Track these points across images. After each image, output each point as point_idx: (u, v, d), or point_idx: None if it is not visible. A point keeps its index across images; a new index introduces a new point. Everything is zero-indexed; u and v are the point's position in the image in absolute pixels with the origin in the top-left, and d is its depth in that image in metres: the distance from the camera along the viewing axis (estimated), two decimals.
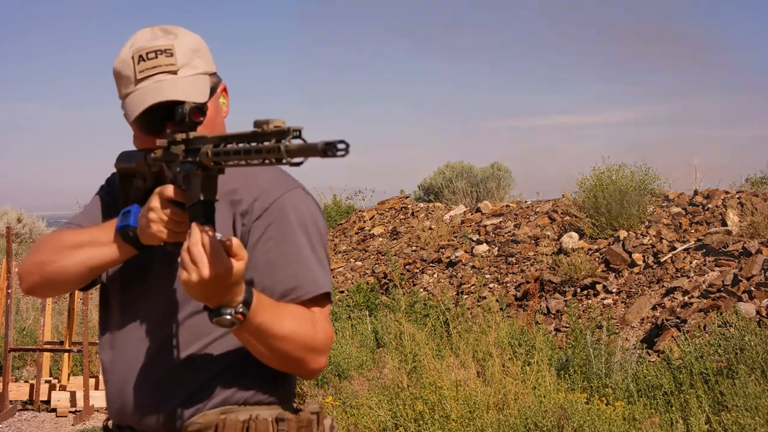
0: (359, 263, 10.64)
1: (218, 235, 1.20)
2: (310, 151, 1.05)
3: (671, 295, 6.88)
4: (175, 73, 1.38)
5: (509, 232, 9.86)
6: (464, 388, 4.62)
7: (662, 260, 7.56)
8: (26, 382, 6.32)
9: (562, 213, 9.85)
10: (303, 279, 1.39)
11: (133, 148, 1.48)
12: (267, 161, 1.10)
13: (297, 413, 1.44)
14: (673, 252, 7.62)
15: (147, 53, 1.37)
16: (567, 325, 6.76)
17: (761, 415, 4.00)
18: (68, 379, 6.30)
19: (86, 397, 5.82)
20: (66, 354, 6.31)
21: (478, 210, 11.25)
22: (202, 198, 1.24)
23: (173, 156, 1.31)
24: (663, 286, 7.14)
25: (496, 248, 9.48)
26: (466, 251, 9.54)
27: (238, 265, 1.19)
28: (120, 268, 1.48)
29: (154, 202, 1.30)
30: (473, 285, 8.50)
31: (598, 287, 7.56)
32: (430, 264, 9.58)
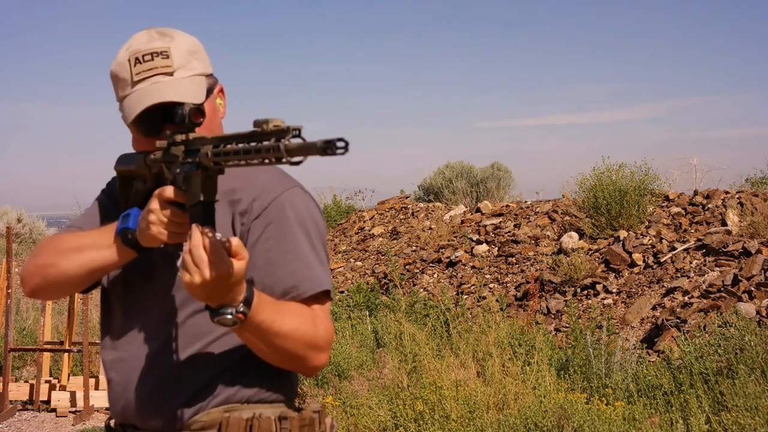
0: (359, 263, 10.65)
1: (218, 236, 1.20)
2: (309, 149, 1.05)
3: (671, 295, 6.88)
4: (171, 74, 1.39)
5: (509, 232, 9.86)
6: (464, 388, 4.62)
7: (662, 260, 7.57)
8: (26, 382, 6.32)
9: (562, 213, 9.85)
10: (303, 277, 1.40)
11: (132, 150, 1.48)
12: (267, 161, 1.10)
13: (299, 412, 1.45)
14: (673, 252, 7.62)
15: (143, 55, 1.38)
16: (567, 325, 6.76)
17: (761, 415, 4.00)
18: (68, 379, 6.30)
19: (86, 397, 5.82)
20: (66, 354, 6.31)
21: (478, 210, 11.25)
22: (202, 198, 1.24)
23: (173, 157, 1.32)
24: (663, 286, 7.14)
25: (496, 248, 9.48)
26: (466, 251, 9.54)
27: (239, 264, 1.20)
28: (121, 270, 1.49)
29: (154, 204, 1.30)
30: (473, 285, 8.50)
31: (598, 287, 7.56)
32: (430, 264, 9.59)
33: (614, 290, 7.48)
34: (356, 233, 12.11)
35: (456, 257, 9.39)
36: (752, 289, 6.28)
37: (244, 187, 1.44)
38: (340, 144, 1.03)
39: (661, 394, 4.60)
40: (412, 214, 12.15)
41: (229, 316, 1.23)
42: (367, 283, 9.18)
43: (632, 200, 8.50)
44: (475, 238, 9.84)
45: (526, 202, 11.31)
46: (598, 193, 8.70)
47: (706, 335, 5.30)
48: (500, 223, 10.30)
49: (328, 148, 1.03)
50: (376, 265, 10.21)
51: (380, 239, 11.47)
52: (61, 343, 6.29)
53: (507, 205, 11.10)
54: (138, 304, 1.47)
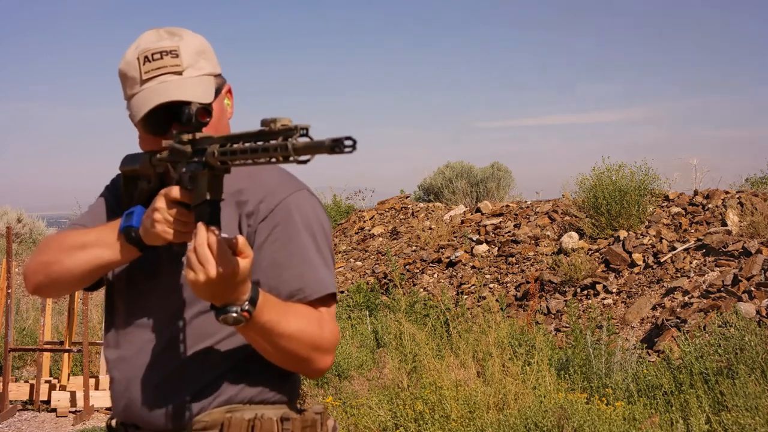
0: (359, 263, 10.65)
1: (223, 234, 1.20)
2: (317, 148, 1.05)
3: (671, 295, 6.88)
4: (180, 74, 1.39)
5: (509, 232, 9.87)
6: (464, 388, 4.62)
7: (662, 260, 7.57)
8: (26, 382, 6.32)
9: (562, 213, 9.85)
10: (309, 279, 1.41)
11: (137, 151, 1.48)
12: (274, 159, 1.10)
13: (301, 413, 1.45)
14: (673, 252, 7.63)
15: (152, 54, 1.38)
16: (567, 325, 6.77)
17: (761, 415, 4.01)
18: (68, 379, 6.30)
19: (86, 397, 5.82)
20: (66, 354, 6.31)
21: (478, 210, 11.25)
22: (208, 198, 1.24)
23: (179, 156, 1.31)
24: (663, 286, 7.14)
25: (496, 248, 9.49)
26: (466, 251, 9.54)
27: (244, 263, 1.20)
28: (126, 267, 1.49)
29: (160, 202, 1.30)
30: (473, 285, 8.50)
31: (598, 287, 7.56)
32: (430, 264, 9.59)
33: (614, 290, 7.48)
34: (356, 233, 12.11)
35: (456, 257, 9.40)
36: (752, 289, 6.28)
37: (250, 189, 1.44)
38: (348, 143, 1.02)
39: (661, 394, 4.60)
40: (412, 214, 12.15)
41: (234, 315, 1.23)
42: (367, 283, 9.19)
43: (632, 200, 8.51)
44: (475, 238, 9.84)
45: (526, 202, 11.31)
46: (598, 193, 8.70)
47: (706, 335, 5.30)
48: (500, 223, 10.30)
49: (336, 146, 1.02)
50: (376, 265, 10.21)
51: (380, 239, 11.47)
52: (61, 343, 6.29)
53: (507, 205, 11.10)
54: (142, 303, 1.47)
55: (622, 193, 8.52)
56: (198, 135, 1.30)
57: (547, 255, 8.71)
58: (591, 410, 4.11)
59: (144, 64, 1.38)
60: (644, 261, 7.73)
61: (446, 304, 6.52)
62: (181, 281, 1.42)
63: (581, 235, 8.77)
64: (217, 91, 1.44)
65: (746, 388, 4.19)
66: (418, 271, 9.49)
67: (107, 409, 5.97)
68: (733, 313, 5.09)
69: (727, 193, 8.98)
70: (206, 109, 1.33)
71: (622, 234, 8.31)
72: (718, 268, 7.01)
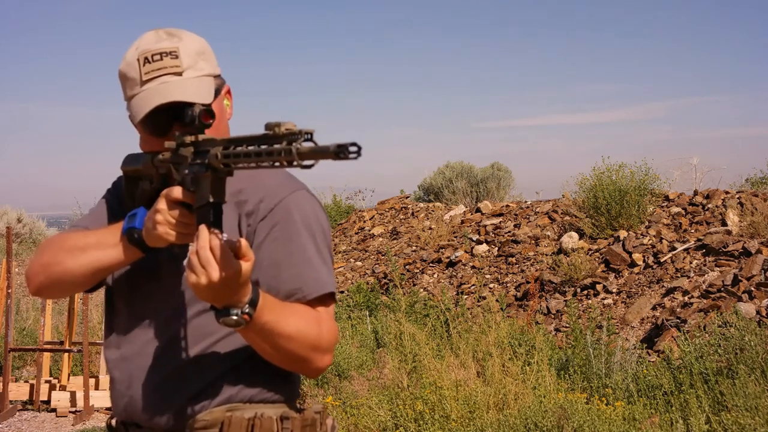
0: (359, 263, 10.65)
1: (225, 236, 1.20)
2: (321, 153, 1.05)
3: (671, 295, 6.88)
4: (180, 75, 1.39)
5: (509, 232, 9.87)
6: (464, 388, 4.62)
7: (662, 260, 7.57)
8: (26, 382, 6.32)
9: (562, 213, 9.85)
10: (308, 279, 1.41)
11: (138, 150, 1.49)
12: (278, 164, 1.10)
13: (301, 412, 1.46)
14: (673, 252, 7.63)
15: (152, 55, 1.39)
16: (567, 325, 6.77)
17: (761, 415, 4.01)
18: (68, 379, 6.30)
19: (86, 397, 5.82)
20: (66, 354, 6.31)
21: (478, 210, 11.25)
22: (211, 200, 1.24)
23: (182, 158, 1.32)
24: (663, 286, 7.15)
25: (496, 248, 9.49)
26: (466, 251, 9.55)
27: (245, 266, 1.21)
28: (127, 268, 1.49)
29: (162, 204, 1.31)
30: (473, 285, 8.51)
31: (598, 287, 7.56)
32: (430, 264, 9.59)
33: (614, 290, 7.48)
34: (356, 233, 12.11)
35: (456, 257, 9.40)
36: (752, 289, 6.28)
37: (250, 188, 1.45)
38: (353, 149, 1.02)
39: (661, 394, 4.61)
40: (412, 214, 12.15)
41: (235, 317, 1.23)
42: (367, 283, 9.19)
43: (632, 200, 8.51)
44: (475, 238, 9.84)
45: (526, 202, 11.31)
46: (598, 193, 8.71)
47: (706, 335, 5.30)
48: (500, 223, 10.30)
49: (341, 152, 1.02)
50: (376, 265, 10.21)
51: (380, 239, 11.48)
52: (61, 343, 6.29)
53: (507, 205, 11.11)
54: (143, 304, 1.48)
55: (622, 193, 8.52)
56: (201, 137, 1.30)
57: (547, 255, 8.71)
58: (591, 410, 4.11)
59: (144, 65, 1.39)
60: (644, 261, 7.73)
61: (446, 304, 6.52)
62: (181, 282, 1.42)
63: (581, 235, 8.78)
64: (217, 92, 1.44)
65: (746, 388, 4.19)
66: (418, 271, 9.50)
67: (107, 409, 5.97)
68: (733, 313, 5.09)
69: (727, 193, 8.98)
70: (209, 111, 1.34)
71: (622, 234, 8.31)
72: (718, 268, 7.01)
